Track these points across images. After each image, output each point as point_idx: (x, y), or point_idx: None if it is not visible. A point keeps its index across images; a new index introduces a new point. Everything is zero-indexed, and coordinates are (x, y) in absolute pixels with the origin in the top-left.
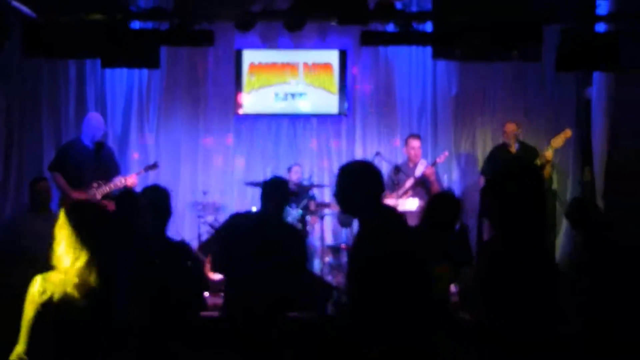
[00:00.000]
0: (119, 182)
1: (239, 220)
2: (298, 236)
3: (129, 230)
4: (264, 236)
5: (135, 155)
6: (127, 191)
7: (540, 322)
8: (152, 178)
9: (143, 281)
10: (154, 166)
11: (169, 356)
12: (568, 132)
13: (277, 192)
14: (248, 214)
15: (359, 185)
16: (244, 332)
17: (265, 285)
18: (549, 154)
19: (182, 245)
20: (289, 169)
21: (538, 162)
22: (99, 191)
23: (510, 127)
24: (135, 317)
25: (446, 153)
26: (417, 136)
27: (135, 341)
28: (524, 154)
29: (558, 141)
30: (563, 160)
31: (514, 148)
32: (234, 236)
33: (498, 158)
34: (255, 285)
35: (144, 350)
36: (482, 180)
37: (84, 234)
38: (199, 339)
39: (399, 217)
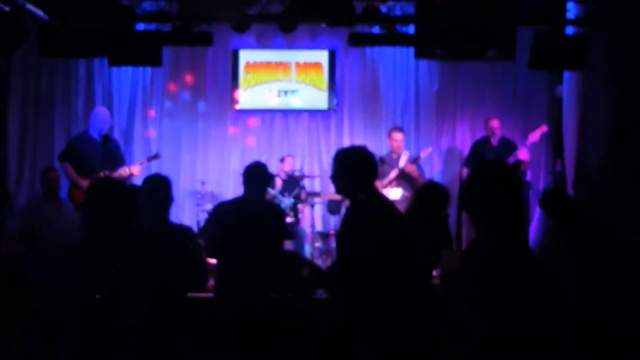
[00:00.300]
0: (124, 171)
1: (224, 207)
2: (278, 212)
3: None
4: (248, 217)
5: (138, 148)
6: (129, 188)
7: (534, 319)
8: (154, 168)
9: (146, 272)
10: (156, 156)
11: (169, 341)
12: (544, 128)
13: (257, 176)
14: (231, 200)
15: (352, 169)
16: (236, 313)
17: (254, 264)
18: (524, 154)
19: (185, 229)
20: (282, 160)
21: (513, 159)
22: None
23: (493, 123)
24: (139, 306)
25: (429, 149)
26: (399, 129)
27: (138, 328)
28: (504, 147)
29: (535, 136)
30: (536, 154)
31: (495, 142)
32: (222, 222)
33: (480, 151)
34: (245, 264)
35: (146, 336)
36: (464, 171)
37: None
38: (198, 321)
39: (389, 203)
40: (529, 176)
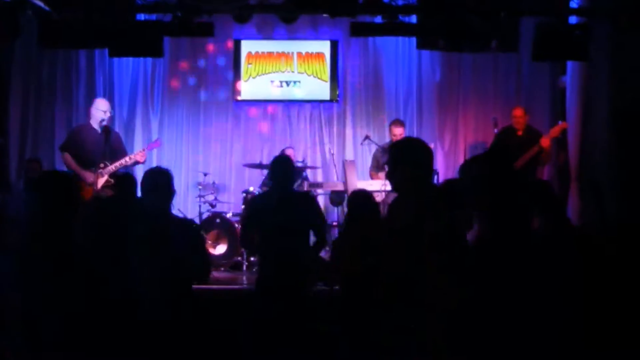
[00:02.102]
0: (124, 161)
1: (258, 200)
2: (313, 200)
3: (130, 211)
4: (285, 208)
5: (139, 138)
6: (124, 174)
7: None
8: (156, 158)
9: (148, 258)
10: (156, 143)
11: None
12: (564, 124)
13: (285, 169)
14: (264, 194)
15: (410, 162)
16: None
17: (289, 251)
18: (546, 142)
19: (187, 222)
20: (282, 152)
21: (537, 148)
22: (106, 170)
23: (518, 112)
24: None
25: (431, 146)
26: (398, 123)
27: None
28: (529, 137)
29: (555, 131)
30: None
31: (521, 132)
32: (259, 214)
33: (504, 140)
34: (281, 251)
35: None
36: None
37: None
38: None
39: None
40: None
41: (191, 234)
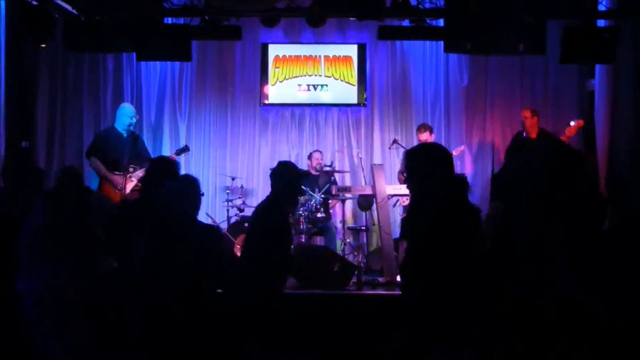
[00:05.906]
0: None
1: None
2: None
3: (155, 212)
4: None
5: (167, 142)
6: (159, 158)
7: None
8: (183, 162)
9: (169, 263)
10: (185, 149)
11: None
12: (580, 122)
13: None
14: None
15: (428, 166)
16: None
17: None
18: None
19: (212, 229)
20: (309, 156)
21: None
22: (135, 175)
23: (522, 113)
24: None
25: (461, 148)
26: (423, 128)
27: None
28: (544, 140)
29: (572, 130)
30: None
31: (534, 134)
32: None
33: (518, 145)
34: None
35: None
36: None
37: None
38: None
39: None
40: None
41: (210, 239)
